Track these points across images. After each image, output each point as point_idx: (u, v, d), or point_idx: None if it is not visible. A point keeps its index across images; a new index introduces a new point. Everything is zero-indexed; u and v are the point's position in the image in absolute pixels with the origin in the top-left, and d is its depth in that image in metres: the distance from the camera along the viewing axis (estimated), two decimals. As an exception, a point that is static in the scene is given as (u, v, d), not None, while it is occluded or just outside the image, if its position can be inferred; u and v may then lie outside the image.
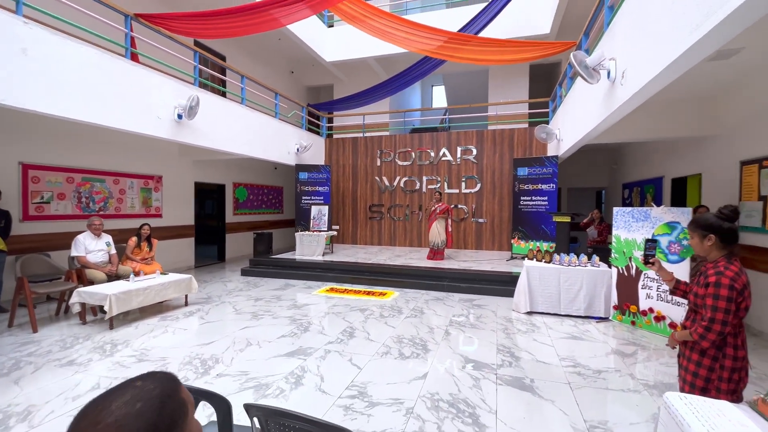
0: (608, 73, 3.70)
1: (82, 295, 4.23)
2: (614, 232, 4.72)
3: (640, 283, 4.42)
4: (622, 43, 3.48)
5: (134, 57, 5.07)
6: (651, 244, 2.24)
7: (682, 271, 4.07)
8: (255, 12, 5.32)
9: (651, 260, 2.22)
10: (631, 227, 4.54)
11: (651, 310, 4.32)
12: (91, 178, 6.07)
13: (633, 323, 4.48)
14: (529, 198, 7.60)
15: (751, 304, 1.85)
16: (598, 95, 4.20)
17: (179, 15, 5.30)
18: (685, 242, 4.08)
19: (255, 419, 1.31)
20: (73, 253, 4.74)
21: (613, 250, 4.74)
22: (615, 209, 4.71)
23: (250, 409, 1.31)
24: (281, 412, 1.26)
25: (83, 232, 4.97)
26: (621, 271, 4.62)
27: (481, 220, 9.02)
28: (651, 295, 4.32)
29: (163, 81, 5.25)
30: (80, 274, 4.72)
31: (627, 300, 4.54)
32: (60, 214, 5.61)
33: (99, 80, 4.37)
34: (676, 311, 4.10)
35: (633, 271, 4.50)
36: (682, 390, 2.02)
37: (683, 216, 4.10)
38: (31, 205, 5.29)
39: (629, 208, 4.57)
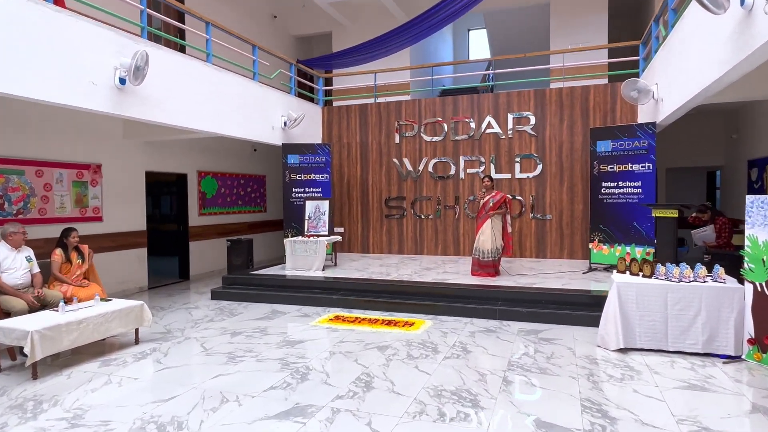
0: (741, -1, 3.46)
1: (-6, 332, 4.18)
2: (748, 231, 4.46)
3: (790, 307, 4.13)
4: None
5: (58, 2, 5.00)
6: None
7: None
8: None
9: None
10: (774, 224, 4.25)
11: (808, 345, 4.03)
12: (6, 170, 6.07)
13: (779, 365, 4.20)
14: (614, 184, 7.37)
15: None
16: (725, 31, 3.99)
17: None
18: None
19: None
20: (-17, 272, 4.72)
21: (746, 258, 4.46)
22: (749, 198, 4.46)
23: None
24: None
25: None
26: (759, 289, 4.34)
27: (545, 217, 8.78)
28: (807, 323, 4.03)
29: (98, 33, 5.19)
30: (-8, 302, 4.68)
31: (769, 331, 4.26)
32: (-35, 219, 5.62)
33: (10, 34, 4.29)
34: None
35: (778, 289, 4.21)
36: None
37: None
38: (-75, 209, 5.30)
39: (771, 197, 4.29)
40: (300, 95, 9.97)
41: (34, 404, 3.67)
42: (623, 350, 4.75)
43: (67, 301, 4.86)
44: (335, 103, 10.86)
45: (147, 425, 3.31)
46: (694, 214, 7.40)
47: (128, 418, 3.41)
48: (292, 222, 8.92)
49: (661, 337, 4.69)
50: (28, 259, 5.00)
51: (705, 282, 4.69)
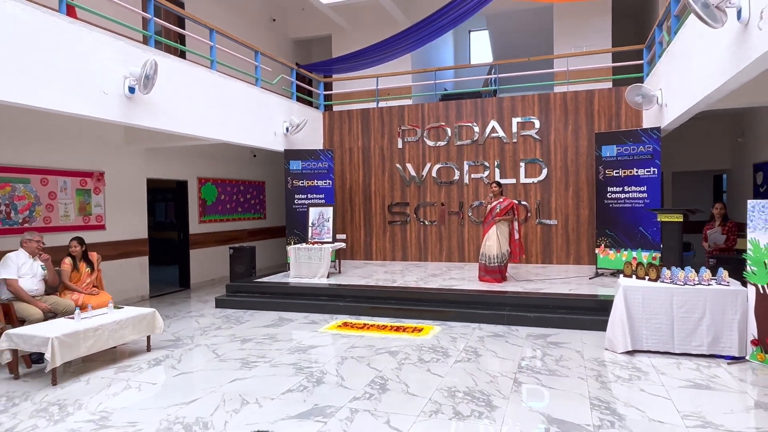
0: (738, 13, 3.79)
1: (13, 339, 4.45)
2: (750, 234, 4.78)
3: (791, 308, 4.47)
4: (759, -29, 3.55)
5: (70, 11, 5.32)
6: None
7: None
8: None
9: None
10: (774, 228, 4.60)
11: (808, 345, 4.37)
12: (12, 179, 6.36)
13: (782, 365, 4.54)
14: (620, 189, 7.67)
15: None
16: (723, 42, 4.28)
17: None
18: None
19: None
20: (3, 275, 4.99)
21: (748, 262, 4.79)
22: (750, 203, 4.77)
23: None
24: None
25: (13, 251, 5.23)
26: (762, 291, 4.67)
27: (549, 222, 9.11)
28: (807, 323, 4.37)
29: (108, 42, 5.49)
30: (8, 310, 4.97)
31: (772, 332, 4.59)
32: (-28, 228, 5.91)
33: (26, 45, 4.59)
34: None
35: (780, 291, 4.56)
36: None
37: None
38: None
39: (771, 201, 4.63)
40: (299, 100, 10.28)
41: (59, 408, 3.94)
42: (630, 353, 5.04)
43: (81, 308, 5.16)
44: (335, 108, 11.17)
45: (173, 425, 3.60)
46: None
47: (154, 419, 3.70)
48: (295, 229, 9.19)
49: (668, 339, 4.98)
50: (43, 268, 5.28)
51: (709, 285, 4.99)
